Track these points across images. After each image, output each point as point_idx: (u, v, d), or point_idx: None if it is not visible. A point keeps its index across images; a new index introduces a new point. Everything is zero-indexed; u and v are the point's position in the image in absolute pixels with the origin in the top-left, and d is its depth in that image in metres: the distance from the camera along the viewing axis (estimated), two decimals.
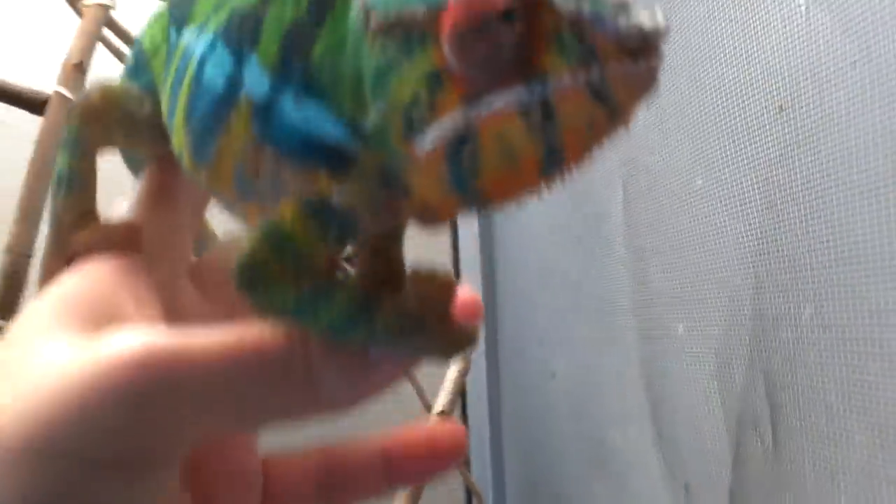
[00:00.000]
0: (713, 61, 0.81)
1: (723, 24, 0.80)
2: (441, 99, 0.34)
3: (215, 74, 0.43)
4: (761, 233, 0.75)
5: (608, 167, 1.06)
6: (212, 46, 0.44)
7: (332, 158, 0.39)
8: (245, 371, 0.37)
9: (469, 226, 1.69)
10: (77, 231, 0.48)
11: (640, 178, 0.98)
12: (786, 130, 0.72)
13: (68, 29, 1.07)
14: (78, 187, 0.49)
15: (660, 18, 0.32)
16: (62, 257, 0.47)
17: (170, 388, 0.36)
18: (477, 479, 1.61)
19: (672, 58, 0.87)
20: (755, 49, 0.75)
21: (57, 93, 1.01)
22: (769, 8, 0.73)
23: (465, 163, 0.33)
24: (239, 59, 0.42)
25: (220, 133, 0.42)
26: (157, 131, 0.49)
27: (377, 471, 0.47)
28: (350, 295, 0.37)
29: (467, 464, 1.59)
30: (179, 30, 0.49)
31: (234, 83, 0.42)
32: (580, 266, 1.18)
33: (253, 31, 0.42)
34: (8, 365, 0.40)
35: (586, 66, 0.32)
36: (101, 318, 0.41)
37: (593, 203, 1.11)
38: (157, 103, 0.50)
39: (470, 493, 1.64)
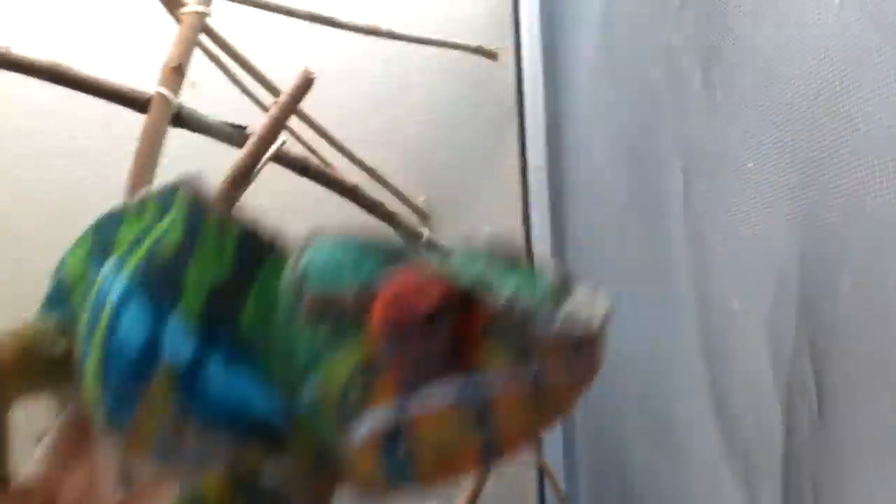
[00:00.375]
0: (759, 57, 0.86)
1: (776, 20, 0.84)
2: (374, 389, 0.33)
3: (132, 331, 0.40)
4: (805, 210, 0.80)
5: (669, 153, 1.10)
6: (128, 294, 0.41)
7: (263, 431, 0.36)
8: None
9: (539, 213, 1.73)
10: None
11: (698, 163, 1.03)
12: (826, 115, 0.76)
13: (168, 34, 1.17)
14: None
15: (599, 308, 0.30)
16: None
17: None
18: (549, 460, 1.65)
19: (733, 54, 0.92)
20: (793, 42, 0.79)
21: (158, 93, 1.11)
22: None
23: (399, 458, 0.32)
24: (157, 317, 0.39)
25: (138, 400, 0.39)
26: (73, 369, 0.46)
27: None
28: None
29: (539, 444, 1.64)
30: (102, 260, 0.46)
31: (153, 345, 0.39)
32: (643, 247, 1.23)
33: (172, 284, 0.39)
34: None
35: (523, 362, 0.30)
36: None
37: (655, 187, 1.16)
38: (72, 339, 0.47)
39: (542, 472, 1.69)
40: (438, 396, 0.31)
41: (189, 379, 0.38)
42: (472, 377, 0.31)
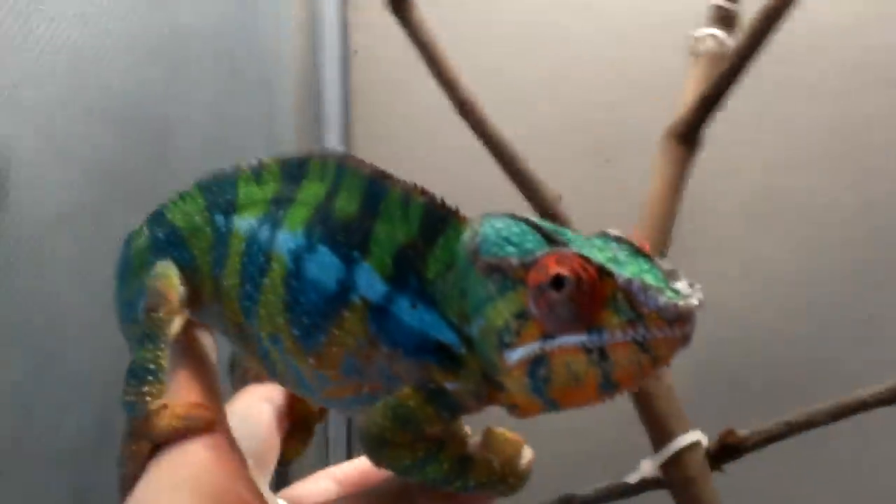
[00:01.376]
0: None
1: None
2: (525, 331, 0.45)
3: (324, 275, 0.52)
4: None
5: None
6: (308, 247, 0.52)
7: (441, 356, 0.49)
8: None
9: None
10: (157, 419, 0.51)
11: None
12: None
13: None
14: (160, 378, 0.54)
15: (696, 298, 0.43)
16: (145, 444, 0.52)
17: None
18: None
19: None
20: None
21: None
22: None
23: (541, 377, 0.45)
24: (348, 265, 0.51)
25: (332, 325, 0.51)
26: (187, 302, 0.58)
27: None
28: (450, 459, 0.49)
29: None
30: (227, 216, 0.58)
31: (346, 285, 0.51)
32: None
33: (359, 242, 0.51)
34: None
35: (633, 326, 0.43)
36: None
37: None
38: (189, 278, 0.58)
39: None
40: (571, 340, 0.44)
41: (382, 311, 0.50)
42: (596, 330, 0.44)
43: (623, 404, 1.07)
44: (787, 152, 1.72)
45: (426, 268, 0.51)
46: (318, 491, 0.62)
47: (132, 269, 0.63)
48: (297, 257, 0.53)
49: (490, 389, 0.50)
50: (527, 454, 0.52)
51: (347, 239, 0.52)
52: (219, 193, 0.59)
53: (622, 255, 0.46)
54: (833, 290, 1.72)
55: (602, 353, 0.44)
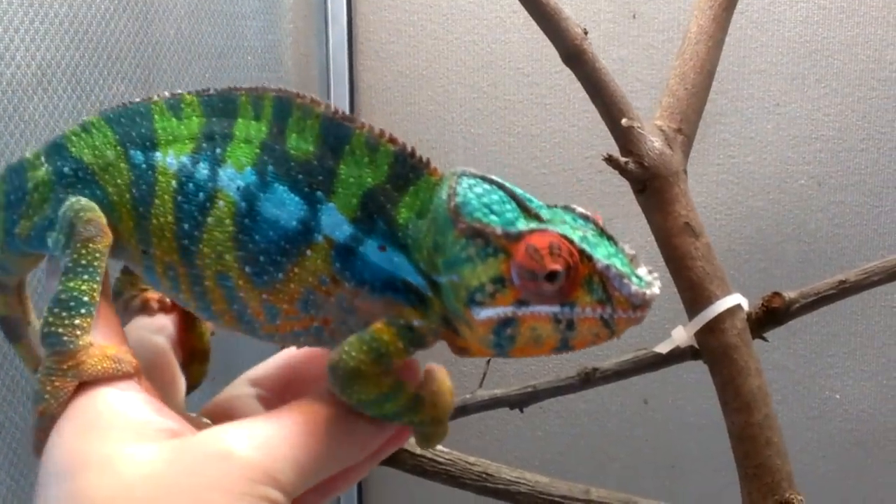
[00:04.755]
0: None
1: None
2: (500, 295, 0.49)
3: (283, 214, 0.53)
4: None
5: None
6: (262, 185, 0.54)
7: (409, 296, 0.53)
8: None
9: None
10: (85, 356, 0.52)
11: None
12: None
13: None
14: (92, 311, 0.54)
15: (657, 286, 0.49)
16: (69, 382, 0.52)
17: None
18: None
19: None
20: None
21: None
22: None
23: (505, 336, 0.50)
24: (311, 204, 0.53)
25: (292, 264, 0.53)
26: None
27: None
28: (408, 395, 0.53)
29: None
30: (145, 151, 0.57)
31: (308, 225, 0.53)
32: None
33: (321, 182, 0.53)
34: None
35: (603, 306, 0.49)
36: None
37: None
38: (116, 215, 0.57)
39: None
40: (543, 311, 0.49)
41: (348, 251, 0.52)
42: (569, 304, 0.49)
43: (660, 255, 1.01)
44: (829, 2, 1.59)
45: (397, 213, 0.53)
46: (238, 396, 0.61)
47: (29, 202, 0.61)
48: (249, 195, 0.54)
49: (445, 331, 0.53)
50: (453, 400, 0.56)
51: (309, 179, 0.54)
52: (130, 126, 0.58)
53: (590, 234, 0.50)
54: (875, 156, 1.61)
55: (570, 324, 0.49)
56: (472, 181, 0.51)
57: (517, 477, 1.23)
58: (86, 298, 0.53)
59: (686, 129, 1.00)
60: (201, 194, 0.55)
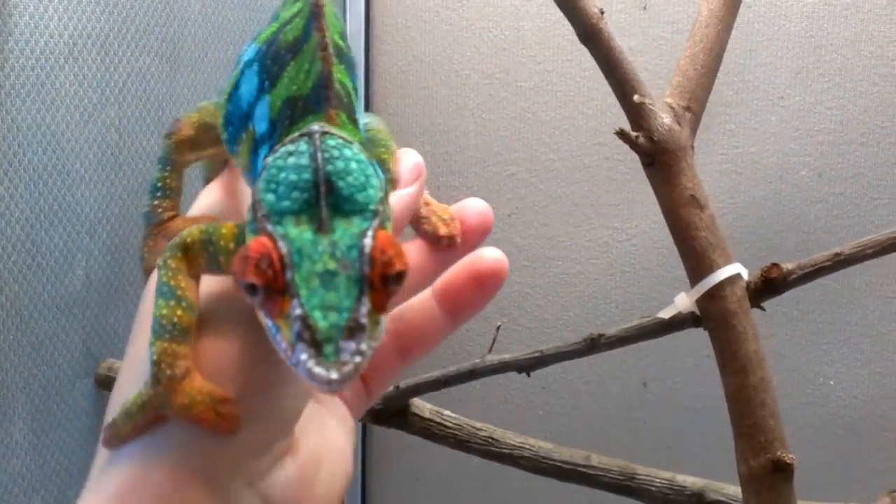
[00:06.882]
0: None
1: None
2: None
3: (246, 93, 0.53)
4: None
5: None
6: (250, 62, 0.53)
7: None
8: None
9: None
10: (170, 223, 0.59)
11: None
12: None
13: None
14: (169, 194, 0.60)
15: (347, 368, 0.39)
16: (162, 240, 0.57)
17: None
18: None
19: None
20: None
21: None
22: None
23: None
24: (259, 92, 0.51)
25: (238, 142, 0.53)
26: None
27: (437, 314, 0.54)
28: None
29: None
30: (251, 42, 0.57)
31: (250, 110, 0.52)
32: None
33: (275, 74, 0.50)
34: None
35: (293, 350, 0.40)
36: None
37: None
38: None
39: None
40: (261, 316, 0.43)
41: (258, 147, 0.50)
42: (276, 327, 0.42)
43: (661, 238, 1.06)
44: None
45: (286, 133, 0.48)
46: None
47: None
48: (243, 70, 0.54)
49: None
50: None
51: (270, 67, 0.51)
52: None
53: (334, 264, 0.41)
54: (875, 150, 1.65)
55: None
56: (302, 148, 0.44)
57: (521, 442, 1.28)
58: (160, 184, 0.59)
59: (695, 106, 1.05)
60: (236, 69, 0.55)
